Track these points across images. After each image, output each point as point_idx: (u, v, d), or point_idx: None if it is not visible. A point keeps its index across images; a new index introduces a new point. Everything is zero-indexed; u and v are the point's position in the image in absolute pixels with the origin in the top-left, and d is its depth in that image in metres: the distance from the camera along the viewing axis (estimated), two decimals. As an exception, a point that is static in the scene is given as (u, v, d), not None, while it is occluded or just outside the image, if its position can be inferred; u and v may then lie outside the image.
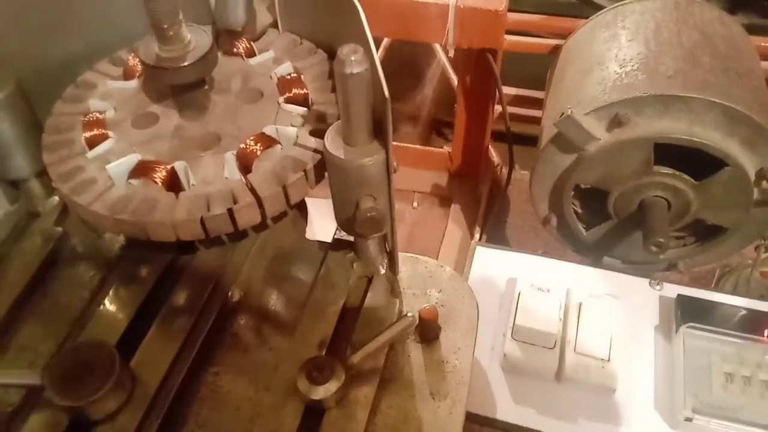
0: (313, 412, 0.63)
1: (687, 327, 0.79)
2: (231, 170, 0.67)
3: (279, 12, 0.84)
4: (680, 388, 0.76)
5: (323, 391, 0.62)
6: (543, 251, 1.27)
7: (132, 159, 0.67)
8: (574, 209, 1.01)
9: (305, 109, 0.75)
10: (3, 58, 0.73)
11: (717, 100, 0.82)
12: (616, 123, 0.86)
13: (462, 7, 1.12)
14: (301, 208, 0.82)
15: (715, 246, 0.97)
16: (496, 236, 1.60)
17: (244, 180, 0.66)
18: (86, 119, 0.72)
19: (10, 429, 0.63)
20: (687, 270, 1.03)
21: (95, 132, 0.71)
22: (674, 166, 0.90)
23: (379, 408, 0.65)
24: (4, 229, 0.81)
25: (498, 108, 1.49)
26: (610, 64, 0.93)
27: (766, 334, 0.79)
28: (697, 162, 0.88)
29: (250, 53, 0.82)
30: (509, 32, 1.26)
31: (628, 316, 0.84)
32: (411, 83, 2.19)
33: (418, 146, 1.72)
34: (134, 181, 0.66)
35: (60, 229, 0.80)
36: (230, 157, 0.68)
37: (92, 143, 0.70)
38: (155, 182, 0.66)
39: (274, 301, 0.77)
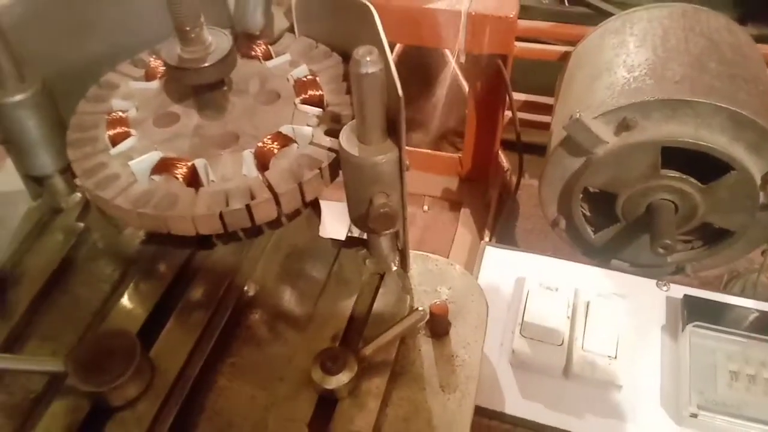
0: (327, 402, 0.64)
1: (693, 326, 0.80)
2: (249, 168, 0.70)
3: (295, 17, 0.87)
4: (686, 385, 0.77)
5: (336, 381, 0.63)
6: (552, 254, 1.28)
7: (154, 156, 0.70)
8: (582, 212, 1.03)
9: (320, 109, 0.77)
10: (30, 59, 0.75)
11: (723, 105, 0.83)
12: (624, 127, 0.87)
13: (473, 13, 1.14)
14: (315, 207, 0.84)
15: (722, 250, 0.99)
16: (506, 240, 1.61)
17: (261, 177, 0.68)
18: (109, 118, 0.75)
19: (33, 415, 0.65)
20: (695, 274, 1.04)
21: (118, 130, 0.74)
22: (681, 169, 0.91)
23: (391, 399, 0.66)
24: (28, 224, 0.83)
25: (508, 114, 1.51)
26: (618, 69, 0.95)
27: (771, 334, 0.80)
28: (704, 166, 0.89)
29: (268, 56, 0.85)
30: (519, 39, 1.28)
31: (635, 315, 0.86)
32: (421, 91, 2.21)
33: (429, 150, 1.74)
34: (156, 177, 0.69)
35: (82, 224, 0.82)
36: (248, 155, 0.70)
37: (115, 141, 0.73)
38: (176, 178, 0.68)
39: (289, 296, 0.79)
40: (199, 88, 0.73)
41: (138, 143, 0.72)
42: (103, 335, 0.66)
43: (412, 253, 0.78)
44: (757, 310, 0.84)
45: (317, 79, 0.81)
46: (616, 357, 0.81)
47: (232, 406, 0.67)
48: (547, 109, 1.46)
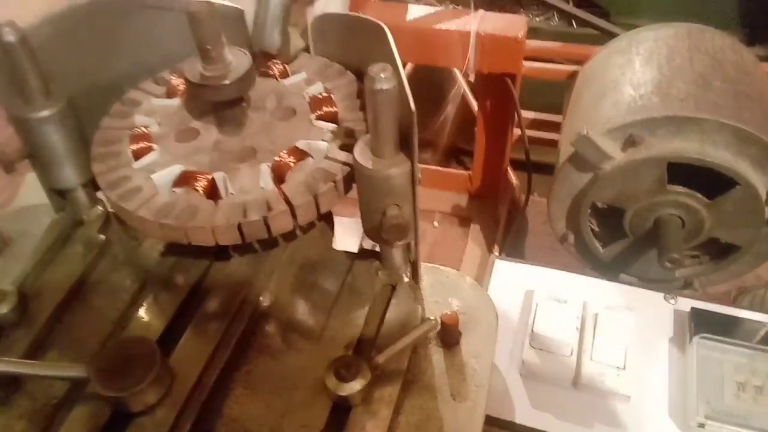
0: (340, 410, 0.66)
1: (700, 338, 0.81)
2: (266, 181, 0.72)
3: (311, 37, 0.90)
4: (693, 395, 0.78)
5: (350, 389, 0.65)
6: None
7: (175, 169, 0.72)
8: (591, 227, 1.04)
9: (335, 125, 0.80)
10: (56, 76, 0.78)
11: (727, 122, 0.85)
12: (630, 143, 0.89)
13: (482, 34, 1.17)
14: (329, 220, 0.86)
15: (729, 264, 1.00)
16: (515, 256, 1.62)
17: (278, 190, 0.71)
18: (132, 133, 0.78)
19: (55, 420, 0.66)
20: (703, 289, 1.05)
21: (141, 145, 0.76)
22: (688, 184, 0.93)
23: (403, 407, 0.67)
24: (51, 236, 0.85)
25: (517, 132, 1.53)
26: (624, 87, 0.97)
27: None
28: (710, 181, 0.91)
29: (284, 75, 0.88)
30: (528, 58, 1.31)
31: (643, 327, 0.87)
32: (431, 110, 2.24)
33: (439, 167, 1.77)
34: (177, 190, 0.71)
35: (103, 236, 0.85)
36: (265, 169, 0.72)
37: (138, 155, 0.75)
38: (196, 191, 0.70)
39: (303, 307, 0.80)
40: (219, 104, 0.76)
41: (160, 157, 0.75)
42: (124, 342, 0.68)
43: (424, 265, 0.80)
44: (764, 323, 0.85)
45: (332, 96, 0.84)
46: (624, 368, 0.82)
47: (248, 412, 0.68)
48: (555, 127, 1.48)
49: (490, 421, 0.81)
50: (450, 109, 2.18)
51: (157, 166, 0.73)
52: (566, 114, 1.15)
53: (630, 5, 2.39)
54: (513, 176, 1.71)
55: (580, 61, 1.23)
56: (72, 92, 0.80)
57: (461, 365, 0.71)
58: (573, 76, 1.21)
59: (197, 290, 0.78)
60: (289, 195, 0.70)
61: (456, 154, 2.21)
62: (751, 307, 1.15)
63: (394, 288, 0.78)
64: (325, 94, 0.83)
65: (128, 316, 0.76)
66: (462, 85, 1.86)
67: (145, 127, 0.78)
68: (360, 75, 0.87)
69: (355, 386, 0.65)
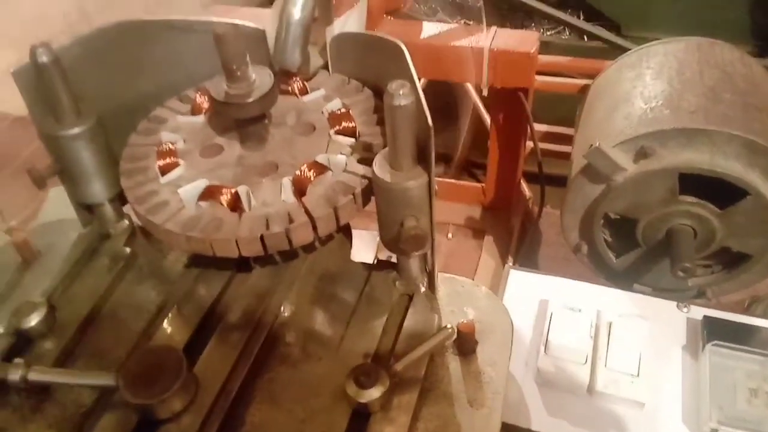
0: (360, 416, 0.68)
1: (713, 345, 0.82)
2: (287, 194, 0.75)
3: (330, 55, 0.93)
4: (706, 401, 0.79)
5: (369, 396, 0.67)
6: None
7: (201, 184, 0.75)
8: (604, 237, 1.06)
9: (353, 140, 0.82)
10: (85, 96, 0.81)
11: (737, 133, 0.87)
12: (642, 154, 0.91)
13: (495, 50, 1.19)
14: (347, 232, 0.88)
15: (741, 274, 1.01)
16: (528, 267, 1.63)
17: (299, 202, 0.73)
18: (159, 149, 0.81)
19: (84, 428, 0.69)
20: (715, 298, 1.06)
21: (167, 160, 0.79)
22: (699, 194, 0.94)
23: (421, 414, 0.69)
24: (78, 250, 0.88)
25: (530, 144, 1.55)
26: (636, 100, 0.99)
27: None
28: (722, 191, 0.92)
29: (304, 92, 0.90)
30: (540, 73, 1.33)
31: (657, 335, 0.88)
32: (444, 124, 2.27)
33: (452, 180, 1.79)
34: (202, 203, 0.74)
35: (129, 249, 0.87)
36: (287, 183, 0.75)
37: (165, 170, 0.78)
38: (221, 204, 0.73)
39: (323, 317, 0.82)
40: (242, 121, 0.79)
41: (186, 172, 0.78)
42: (152, 351, 0.70)
43: (440, 275, 0.82)
44: (776, 331, 0.86)
45: (350, 111, 0.86)
46: (638, 375, 0.83)
47: (271, 419, 0.70)
48: (568, 140, 1.50)
49: (507, 428, 0.82)
50: (463, 123, 2.20)
51: (183, 181, 0.76)
52: (578, 127, 1.17)
53: (640, 18, 2.41)
54: (526, 188, 1.73)
55: (591, 75, 1.25)
56: (101, 111, 0.83)
57: (477, 373, 0.73)
58: (584, 89, 1.23)
59: (220, 300, 0.81)
60: (309, 208, 0.73)
61: (468, 167, 2.23)
62: (764, 316, 1.16)
63: (411, 298, 0.80)
64: (343, 110, 0.86)
65: (154, 326, 0.78)
66: (475, 99, 1.89)
67: (172, 144, 0.81)
68: (377, 91, 0.90)
69: (374, 393, 0.66)
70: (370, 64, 0.88)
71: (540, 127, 1.67)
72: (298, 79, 0.90)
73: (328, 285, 0.86)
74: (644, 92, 0.99)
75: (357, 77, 0.92)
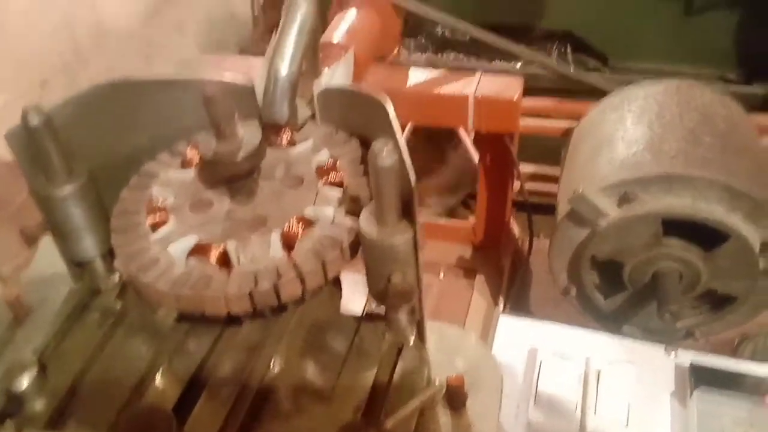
0: (350, 474, 0.68)
1: (700, 391, 0.83)
2: (276, 249, 0.75)
3: (317, 106, 0.95)
4: (695, 449, 0.79)
5: (360, 453, 0.67)
6: (565, 320, 1.31)
7: (190, 240, 0.76)
8: (592, 280, 1.07)
9: (341, 191, 0.84)
10: (77, 152, 0.83)
11: (717, 178, 0.89)
12: (625, 199, 0.93)
13: (480, 97, 1.22)
14: (336, 283, 0.89)
15: (728, 314, 1.02)
16: (520, 307, 1.64)
17: (287, 257, 0.74)
18: (149, 205, 0.82)
19: (73, 490, 0.68)
20: (704, 338, 1.07)
21: (157, 217, 0.80)
22: (684, 236, 0.95)
23: (412, 469, 0.69)
24: (69, 305, 0.88)
25: (518, 183, 1.57)
26: (617, 144, 1.01)
27: (772, 399, 0.82)
28: (706, 232, 0.94)
29: (292, 143, 0.92)
30: (525, 114, 1.36)
31: (645, 381, 0.88)
32: (437, 156, 2.29)
33: (442, 221, 1.80)
34: (192, 261, 0.74)
35: (119, 304, 0.88)
36: (275, 237, 0.76)
37: (155, 226, 0.79)
38: (210, 261, 0.74)
39: (312, 370, 0.83)
40: (232, 177, 0.80)
41: (176, 228, 0.79)
42: (141, 412, 0.70)
43: (429, 324, 0.82)
44: (762, 377, 0.87)
45: (337, 163, 0.88)
46: (627, 424, 0.83)
47: (262, 476, 0.70)
48: (554, 179, 1.52)
49: (499, 479, 0.82)
50: (453, 155, 2.23)
51: (173, 237, 0.77)
52: (563, 169, 1.19)
53: (627, 48, 2.45)
54: (516, 226, 1.75)
55: (575, 117, 1.28)
56: (93, 165, 0.84)
57: (467, 427, 0.73)
58: (568, 132, 1.26)
59: (210, 356, 0.81)
60: (298, 263, 0.73)
61: (464, 197, 2.24)
62: (753, 356, 1.16)
63: (400, 349, 0.81)
64: (330, 162, 0.88)
65: (145, 383, 0.78)
66: (464, 138, 1.91)
67: (162, 199, 0.83)
68: (364, 141, 0.91)
69: (365, 451, 0.67)
70: (357, 115, 0.90)
71: (527, 168, 1.69)
72: (286, 130, 0.92)
73: (318, 337, 0.86)
74: (626, 136, 1.02)
75: (344, 128, 0.93)
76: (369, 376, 0.78)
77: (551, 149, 1.40)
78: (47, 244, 0.91)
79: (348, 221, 0.78)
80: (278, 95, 0.88)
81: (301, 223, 0.78)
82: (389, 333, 0.81)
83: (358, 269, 0.76)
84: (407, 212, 0.68)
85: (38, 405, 0.75)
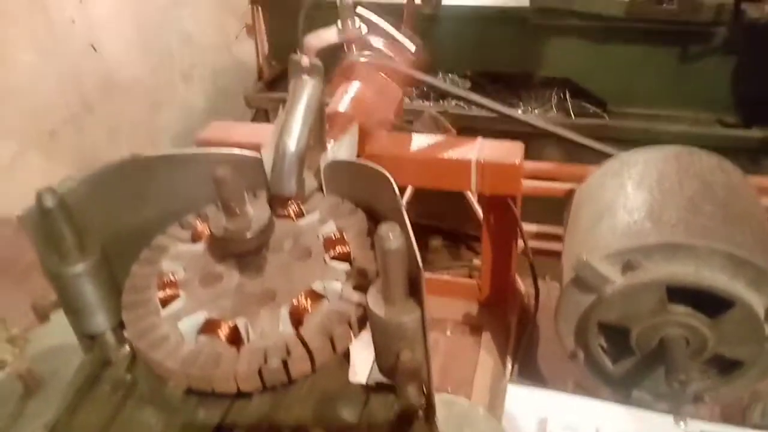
0: None
1: (710, 464, 0.82)
2: (285, 324, 0.77)
3: (324, 178, 0.98)
4: None
5: None
6: (574, 381, 1.31)
7: (200, 317, 0.77)
8: (599, 344, 1.07)
9: (348, 265, 0.85)
10: (91, 230, 0.85)
11: (719, 247, 0.90)
12: (629, 267, 0.94)
13: (482, 162, 1.25)
14: (345, 352, 0.90)
15: (737, 379, 1.02)
16: (528, 366, 1.64)
17: (296, 333, 0.75)
18: (160, 280, 0.83)
19: None
20: (714, 402, 1.06)
21: (168, 292, 0.82)
22: (690, 301, 0.96)
23: None
24: (80, 377, 0.89)
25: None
26: (619, 211, 1.03)
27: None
28: (712, 297, 0.94)
29: (300, 215, 0.94)
30: (527, 177, 1.38)
31: (656, 452, 0.88)
32: (441, 197, 2.30)
33: (448, 277, 1.82)
34: (202, 337, 0.76)
35: (129, 376, 0.88)
36: (284, 313, 0.77)
37: (165, 302, 0.81)
38: (220, 338, 0.75)
39: (322, 443, 0.83)
40: (241, 252, 0.82)
41: (186, 304, 0.80)
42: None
43: (437, 396, 0.83)
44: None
45: (344, 235, 0.90)
46: (639, 497, 0.82)
47: None
48: (557, 237, 1.54)
49: None
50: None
51: (183, 313, 0.78)
52: (566, 233, 1.20)
53: (625, 94, 2.49)
54: (521, 283, 1.75)
55: (577, 179, 1.30)
56: (104, 240, 0.86)
57: (478, 502, 0.73)
58: (570, 194, 1.28)
59: (221, 428, 0.81)
60: (306, 339, 0.75)
61: (466, 240, 2.24)
62: (763, 417, 1.15)
63: (410, 422, 0.81)
64: (337, 234, 0.89)
65: (155, 456, 0.78)
66: (468, 198, 1.93)
67: (172, 274, 0.84)
68: (370, 212, 0.94)
69: None
70: (362, 187, 0.93)
71: (530, 227, 1.71)
72: (293, 202, 0.94)
73: (327, 408, 0.86)
74: (626, 203, 1.04)
75: (350, 198, 0.96)
76: (378, 450, 0.77)
77: (555, 207, 1.42)
78: (58, 314, 0.92)
79: (355, 296, 0.80)
80: (286, 170, 0.91)
81: (309, 298, 0.79)
82: (398, 404, 0.81)
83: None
84: (415, 290, 0.70)
85: (48, 484, 0.75)
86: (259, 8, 2.70)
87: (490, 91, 2.63)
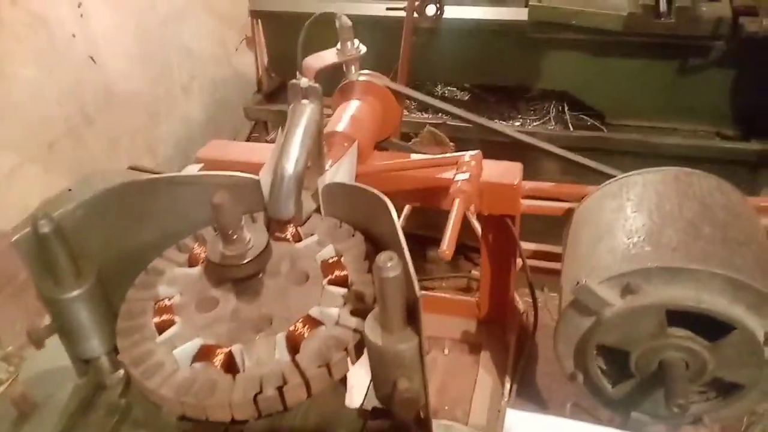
0: None
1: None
2: (281, 351, 0.76)
3: (322, 200, 0.97)
4: None
5: None
6: (574, 402, 1.30)
7: (195, 343, 0.77)
8: (599, 365, 1.06)
9: (345, 289, 0.84)
10: (87, 254, 0.84)
11: (719, 271, 0.90)
12: (628, 290, 0.93)
13: (481, 181, 1.25)
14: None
15: (736, 401, 1.01)
16: (527, 384, 1.62)
17: (292, 360, 0.74)
18: (156, 306, 0.83)
19: None
20: (713, 423, 1.05)
21: (164, 318, 0.81)
22: (689, 324, 0.95)
23: None
24: (74, 401, 0.88)
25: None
26: (618, 233, 1.02)
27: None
28: (711, 320, 0.94)
29: (298, 238, 0.94)
30: (526, 197, 1.38)
31: (655, 480, 0.87)
32: (439, 214, 2.29)
33: (447, 295, 1.81)
34: (197, 365, 0.75)
35: (124, 400, 0.87)
36: (281, 340, 0.77)
37: (161, 328, 0.80)
38: (215, 365, 0.74)
39: (318, 469, 0.82)
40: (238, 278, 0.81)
41: (181, 330, 0.79)
42: None
43: (435, 423, 0.82)
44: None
45: (342, 259, 0.89)
46: None
47: None
48: (556, 256, 1.53)
49: None
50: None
51: (179, 340, 0.77)
52: (565, 254, 1.20)
53: (623, 107, 2.49)
54: (519, 301, 1.75)
55: (575, 198, 1.30)
56: (101, 262, 0.86)
57: None
58: (569, 213, 1.28)
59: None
60: (303, 366, 0.74)
61: (464, 251, 2.23)
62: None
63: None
64: (335, 258, 0.89)
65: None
66: (468, 216, 1.92)
67: (168, 299, 0.84)
68: (367, 234, 0.93)
69: None
70: (360, 210, 0.92)
71: (529, 245, 1.71)
72: (291, 225, 0.94)
73: (323, 434, 0.86)
74: (626, 225, 1.03)
75: (348, 221, 0.95)
76: (375, 478, 0.76)
77: (554, 226, 1.42)
78: (56, 345, 0.91)
79: (353, 321, 0.79)
80: (284, 194, 0.90)
81: (306, 325, 0.79)
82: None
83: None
84: (412, 319, 0.69)
85: None
86: (259, 21, 2.71)
87: (490, 102, 2.64)
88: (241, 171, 1.04)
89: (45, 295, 0.80)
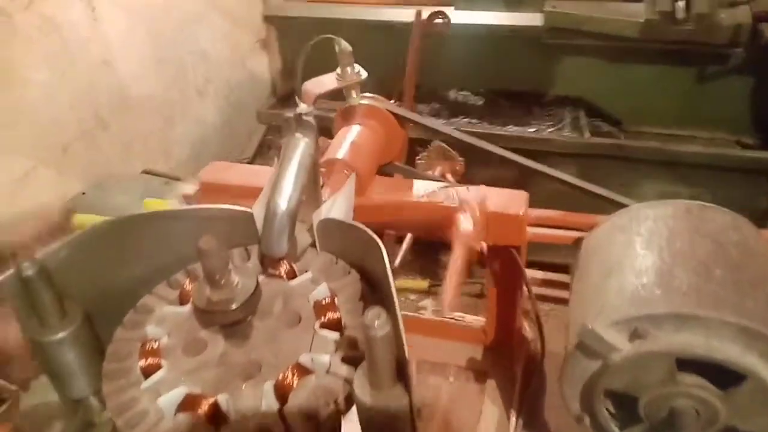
0: None
1: None
2: (269, 401, 0.73)
3: (317, 234, 0.94)
4: None
5: None
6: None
7: (180, 392, 0.74)
8: (606, 409, 1.02)
9: (338, 333, 0.82)
10: (74, 293, 0.82)
11: (731, 320, 0.85)
12: (636, 335, 0.89)
13: (486, 212, 1.22)
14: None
15: (751, 452, 0.96)
16: (533, 416, 1.58)
17: (279, 414, 0.72)
18: (142, 347, 0.80)
19: None
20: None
21: (150, 361, 0.79)
22: (700, 370, 0.91)
23: None
24: (63, 441, 0.86)
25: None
26: (627, 271, 0.98)
27: None
28: (722, 367, 0.90)
29: (291, 275, 0.91)
30: (532, 224, 1.34)
31: None
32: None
33: (452, 320, 1.77)
34: (181, 415, 0.72)
35: (112, 441, 0.85)
36: (269, 389, 0.74)
37: (147, 372, 0.77)
38: (199, 416, 0.72)
39: None
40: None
41: (167, 374, 0.77)
42: None
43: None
44: None
45: (336, 299, 0.86)
46: None
47: None
48: (563, 285, 1.48)
49: None
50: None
51: (164, 386, 0.75)
52: (573, 288, 1.16)
53: (640, 114, 2.43)
54: (527, 328, 1.71)
55: (583, 227, 1.26)
56: (88, 302, 0.84)
57: None
58: (578, 242, 1.23)
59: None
60: (290, 420, 0.71)
61: (478, 257, 2.18)
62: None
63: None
64: (328, 300, 0.86)
65: None
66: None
67: (155, 341, 0.81)
68: (363, 272, 0.90)
69: None
70: (354, 248, 0.89)
71: (536, 274, 1.67)
72: (284, 262, 0.91)
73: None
74: (635, 264, 0.99)
75: (343, 256, 0.93)
76: None
77: (561, 253, 1.38)
78: (41, 378, 0.89)
79: (344, 370, 0.76)
80: (276, 230, 0.88)
81: (295, 373, 0.76)
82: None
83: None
84: (401, 376, 0.66)
85: None
86: (273, 26, 2.72)
87: (504, 107, 2.58)
88: (241, 195, 1.01)
89: (31, 337, 0.79)
